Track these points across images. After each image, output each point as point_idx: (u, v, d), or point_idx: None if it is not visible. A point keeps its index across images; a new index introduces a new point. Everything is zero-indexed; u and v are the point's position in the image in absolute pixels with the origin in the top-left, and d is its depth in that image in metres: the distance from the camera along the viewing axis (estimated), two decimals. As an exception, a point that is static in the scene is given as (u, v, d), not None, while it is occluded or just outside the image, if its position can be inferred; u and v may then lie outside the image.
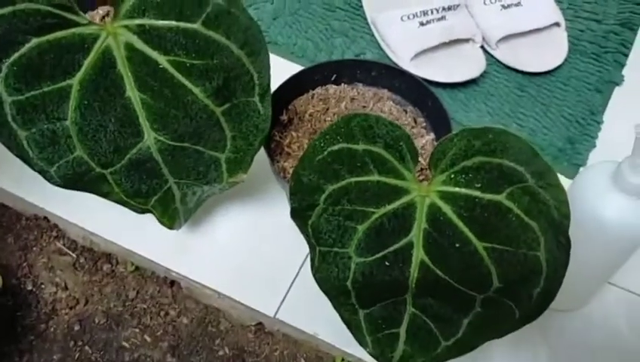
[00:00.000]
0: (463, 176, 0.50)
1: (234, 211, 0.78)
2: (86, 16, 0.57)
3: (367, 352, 0.60)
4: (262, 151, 0.67)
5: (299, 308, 0.72)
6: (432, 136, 0.72)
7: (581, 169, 0.80)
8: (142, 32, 0.56)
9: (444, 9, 0.88)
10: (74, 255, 0.83)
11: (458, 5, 0.89)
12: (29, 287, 0.82)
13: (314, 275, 0.56)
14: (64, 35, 0.55)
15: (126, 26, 0.56)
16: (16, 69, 0.55)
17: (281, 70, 0.74)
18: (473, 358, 0.65)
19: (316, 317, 0.71)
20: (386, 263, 0.53)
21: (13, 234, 0.85)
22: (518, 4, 0.90)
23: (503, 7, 0.90)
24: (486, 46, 0.91)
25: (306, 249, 0.56)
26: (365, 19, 0.94)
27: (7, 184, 0.80)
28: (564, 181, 0.77)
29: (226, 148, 0.62)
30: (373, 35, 0.93)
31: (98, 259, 0.83)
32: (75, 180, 0.60)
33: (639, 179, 0.53)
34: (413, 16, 0.88)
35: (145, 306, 0.80)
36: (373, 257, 0.53)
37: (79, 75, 0.56)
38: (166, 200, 0.65)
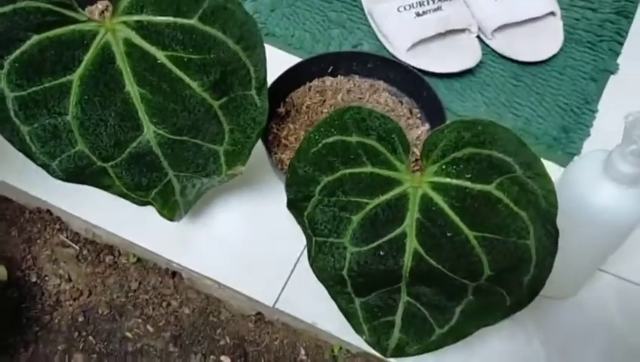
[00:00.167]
0: (454, 167, 0.51)
1: (233, 203, 0.79)
2: (85, 13, 0.58)
3: (364, 340, 0.61)
4: (260, 144, 0.68)
5: (298, 298, 0.73)
6: (427, 126, 0.73)
7: (575, 158, 0.81)
8: (140, 27, 0.57)
9: None
10: (77, 247, 0.84)
11: (454, -4, 0.90)
12: (34, 279, 0.83)
13: (311, 265, 0.57)
14: (64, 32, 0.56)
15: (124, 22, 0.57)
16: (18, 66, 0.56)
17: (279, 62, 0.75)
18: (469, 345, 0.66)
19: (315, 306, 0.72)
20: (381, 253, 0.54)
21: (17, 228, 0.86)
22: (513, -6, 0.90)
23: (499, -4, 0.90)
24: (482, 36, 0.91)
25: (304, 239, 0.57)
26: (362, 10, 0.95)
27: (10, 178, 0.81)
28: (559, 170, 0.78)
29: (224, 140, 0.63)
30: (370, 26, 0.93)
31: (101, 251, 0.84)
32: (77, 174, 0.61)
33: (629, 167, 0.54)
34: (410, 7, 0.88)
35: (147, 297, 0.82)
36: (368, 247, 0.54)
37: (79, 70, 0.57)
38: (166, 193, 0.66)
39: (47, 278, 0.83)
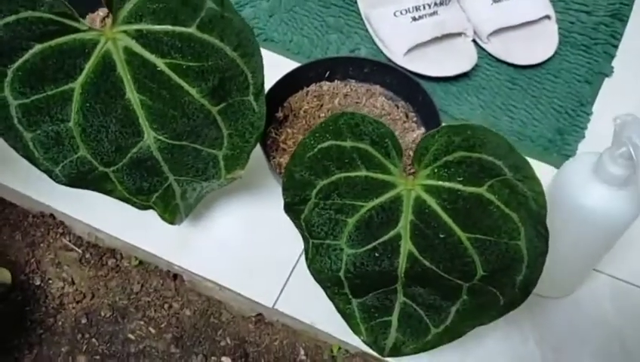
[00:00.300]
0: (446, 170, 0.53)
1: (233, 206, 0.79)
2: (86, 23, 0.59)
3: (362, 340, 0.62)
4: (259, 148, 0.69)
5: (297, 299, 0.73)
6: (422, 130, 0.74)
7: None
8: (140, 36, 0.59)
9: (435, 4, 0.89)
10: (80, 250, 0.85)
11: (450, 0, 0.91)
12: (37, 283, 0.84)
13: (308, 267, 0.58)
14: (66, 41, 0.57)
15: (124, 31, 0.59)
16: (21, 74, 0.57)
17: (278, 67, 0.76)
18: (464, 344, 0.67)
19: (314, 307, 0.72)
20: (376, 254, 0.55)
21: (20, 232, 0.87)
22: (508, -2, 0.91)
23: (494, 0, 0.91)
24: (477, 40, 0.92)
25: (302, 242, 0.58)
26: (359, 15, 0.96)
27: (14, 183, 0.82)
28: (554, 171, 0.78)
29: (223, 145, 0.64)
30: (367, 31, 0.94)
31: (103, 254, 0.85)
32: (80, 179, 0.62)
33: (619, 169, 0.54)
34: (406, 12, 0.89)
35: (149, 299, 0.83)
36: (364, 249, 0.55)
37: (81, 78, 0.58)
38: (167, 197, 0.67)
39: (50, 281, 0.84)
